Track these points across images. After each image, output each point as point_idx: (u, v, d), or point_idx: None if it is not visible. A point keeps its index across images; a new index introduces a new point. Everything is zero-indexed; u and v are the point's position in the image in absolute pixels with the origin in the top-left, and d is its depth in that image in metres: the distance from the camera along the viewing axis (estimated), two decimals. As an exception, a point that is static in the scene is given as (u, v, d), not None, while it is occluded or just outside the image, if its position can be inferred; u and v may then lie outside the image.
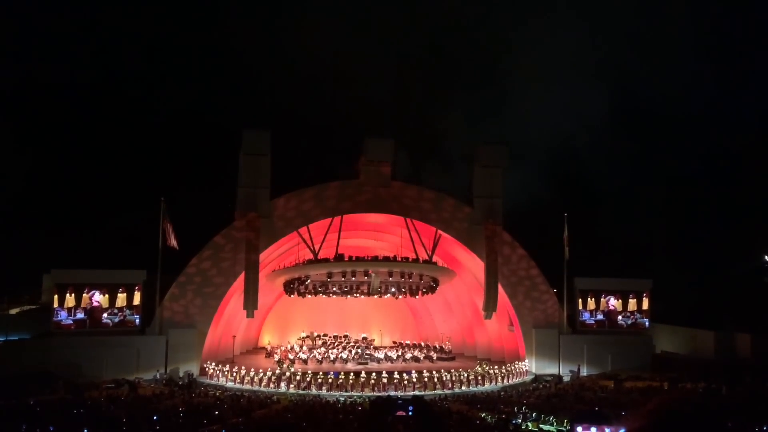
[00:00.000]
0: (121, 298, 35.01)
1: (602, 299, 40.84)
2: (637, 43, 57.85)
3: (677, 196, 54.89)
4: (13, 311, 36.93)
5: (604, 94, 53.78)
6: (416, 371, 34.08)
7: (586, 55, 58.48)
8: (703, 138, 56.24)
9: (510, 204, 39.89)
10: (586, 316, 40.62)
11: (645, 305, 41.02)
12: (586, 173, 55.29)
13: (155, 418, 19.48)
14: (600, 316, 40.74)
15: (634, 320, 40.91)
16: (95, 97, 52.11)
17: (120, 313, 34.89)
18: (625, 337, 40.26)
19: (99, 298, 34.61)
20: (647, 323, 41.01)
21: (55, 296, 34.08)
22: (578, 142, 55.24)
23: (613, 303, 40.82)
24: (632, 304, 41.00)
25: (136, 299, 35.22)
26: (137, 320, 35.21)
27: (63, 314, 34.02)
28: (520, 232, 39.96)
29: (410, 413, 5.41)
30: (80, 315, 34.26)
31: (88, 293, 34.46)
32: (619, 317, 40.82)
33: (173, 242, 34.99)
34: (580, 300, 40.53)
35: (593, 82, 54.36)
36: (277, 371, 33.47)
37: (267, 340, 44.66)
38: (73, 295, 34.20)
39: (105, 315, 34.64)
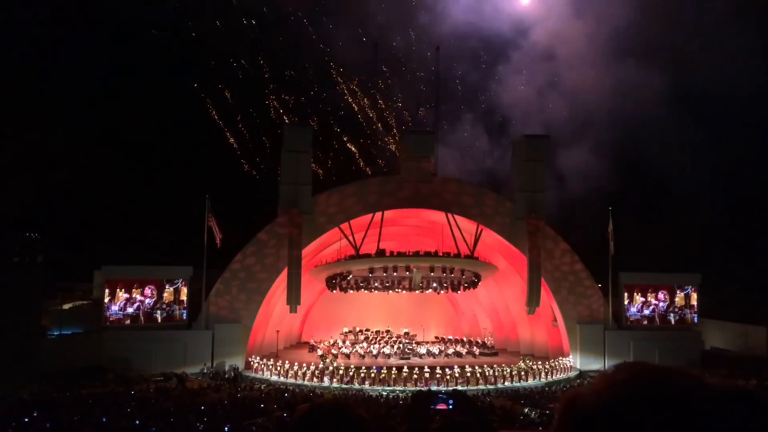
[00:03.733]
0: (168, 294, 35.85)
1: (649, 294, 39.99)
2: (703, 26, 55.43)
3: (729, 186, 53.08)
4: (66, 306, 38.12)
5: (661, 79, 52.10)
6: (458, 366, 33.96)
7: (645, 37, 56.56)
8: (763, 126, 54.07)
9: (554, 196, 39.34)
10: (632, 311, 39.85)
11: (693, 300, 40.00)
12: (638, 162, 53.80)
13: (202, 408, 19.93)
14: (647, 312, 39.91)
15: (681, 315, 39.94)
16: (144, 96, 53.29)
17: (167, 308, 35.73)
18: (673, 333, 39.33)
19: (149, 292, 35.57)
20: (696, 319, 40.01)
21: (106, 291, 35.12)
22: (633, 130, 53.83)
23: (661, 298, 39.94)
24: (680, 298, 40.03)
25: (183, 295, 36.01)
26: (184, 315, 36.01)
27: (113, 309, 35.03)
28: (564, 225, 39.39)
29: (451, 406, 5.37)
30: (130, 310, 35.21)
31: (138, 288, 35.40)
32: (667, 312, 39.93)
33: (218, 239, 35.63)
34: (626, 295, 39.79)
35: (650, 65, 52.65)
36: (321, 366, 33.81)
37: (311, 335, 45.12)
38: (122, 290, 35.19)
39: (152, 310, 35.58)
